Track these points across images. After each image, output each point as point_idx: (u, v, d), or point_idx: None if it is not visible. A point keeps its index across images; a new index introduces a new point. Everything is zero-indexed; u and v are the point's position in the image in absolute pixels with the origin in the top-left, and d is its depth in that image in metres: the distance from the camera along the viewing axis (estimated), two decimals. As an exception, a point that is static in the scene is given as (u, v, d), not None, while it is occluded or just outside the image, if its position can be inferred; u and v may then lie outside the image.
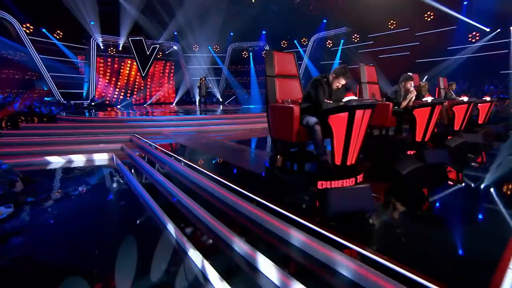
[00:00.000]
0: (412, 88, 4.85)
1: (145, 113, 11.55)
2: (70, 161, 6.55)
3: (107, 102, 17.46)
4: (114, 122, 8.99)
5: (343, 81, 3.27)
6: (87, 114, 11.20)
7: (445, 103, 5.56)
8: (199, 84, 13.17)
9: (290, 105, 3.37)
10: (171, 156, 5.17)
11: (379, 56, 16.97)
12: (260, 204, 2.76)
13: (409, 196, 3.19)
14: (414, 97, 4.92)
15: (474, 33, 13.82)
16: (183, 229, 2.93)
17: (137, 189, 4.62)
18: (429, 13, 15.14)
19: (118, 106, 16.95)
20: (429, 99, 4.67)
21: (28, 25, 14.56)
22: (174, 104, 19.68)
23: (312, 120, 3.14)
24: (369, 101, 3.32)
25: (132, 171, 5.43)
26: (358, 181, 3.25)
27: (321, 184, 3.06)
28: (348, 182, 3.18)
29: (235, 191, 3.19)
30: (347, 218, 2.42)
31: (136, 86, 19.25)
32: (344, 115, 3.01)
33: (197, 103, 19.53)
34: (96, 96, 17.33)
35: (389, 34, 16.71)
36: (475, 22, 13.49)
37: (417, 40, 15.77)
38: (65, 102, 15.04)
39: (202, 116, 9.54)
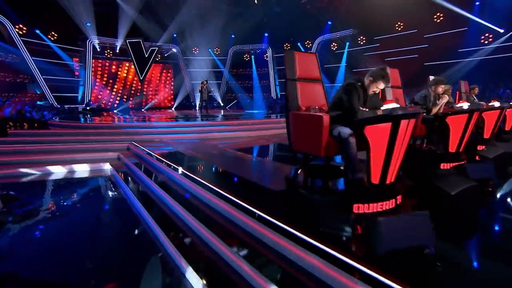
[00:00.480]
0: (443, 93, 4.43)
1: (143, 119, 11.10)
2: (62, 172, 6.07)
3: (103, 106, 16.98)
4: (111, 128, 8.53)
5: (381, 86, 2.84)
6: (82, 119, 10.74)
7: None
8: (200, 88, 12.73)
9: (318, 114, 2.92)
10: (170, 166, 4.71)
11: (386, 59, 16.59)
12: (289, 235, 2.29)
13: (473, 225, 2.71)
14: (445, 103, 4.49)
15: (487, 34, 13.50)
16: (187, 256, 2.46)
17: (134, 204, 4.15)
18: (438, 14, 14.84)
19: (115, 111, 16.49)
20: (464, 105, 4.24)
21: (21, 26, 14.15)
22: (173, 109, 19.27)
23: (346, 131, 2.70)
24: (412, 109, 2.88)
25: (130, 183, 4.96)
26: (397, 203, 2.81)
27: (357, 207, 2.61)
28: (388, 205, 2.73)
29: (251, 213, 2.73)
30: (406, 258, 1.96)
31: (133, 90, 18.82)
32: (386, 126, 2.56)
33: (197, 108, 19.25)
34: (92, 100, 16.85)
35: (396, 36, 16.40)
36: (488, 23, 13.17)
37: (426, 42, 15.44)
38: (59, 106, 14.57)
39: (204, 123, 9.09)
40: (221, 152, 6.11)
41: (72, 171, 6.14)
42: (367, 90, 2.91)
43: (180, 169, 4.45)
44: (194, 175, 4.03)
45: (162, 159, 5.27)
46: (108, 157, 6.81)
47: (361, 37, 17.29)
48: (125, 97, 18.37)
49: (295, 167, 3.40)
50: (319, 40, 18.56)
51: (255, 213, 2.71)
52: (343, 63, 17.05)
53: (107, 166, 6.34)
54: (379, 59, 16.39)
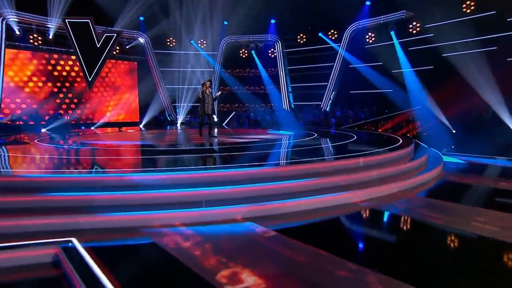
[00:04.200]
0: None
1: (97, 154, 6.28)
2: None
3: (18, 121, 12.72)
4: (15, 192, 3.76)
5: None
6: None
7: None
8: (200, 94, 8.29)
9: None
10: None
11: (444, 55, 13.50)
12: None
13: None
14: None
15: None
16: None
17: None
18: (536, -15, 11.92)
19: (43, 130, 12.30)
20: None
21: None
22: (141, 126, 16.15)
23: None
24: None
25: None
26: None
27: None
28: None
29: None
30: None
31: (76, 98, 14.69)
32: None
33: (178, 124, 16.32)
34: (3, 111, 12.49)
35: (462, 22, 13.30)
36: None
37: (512, 28, 12.44)
38: None
39: (246, 172, 4.39)
40: None
41: None
42: None
43: None
44: None
45: None
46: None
47: (414, 23, 14.01)
48: (63, 107, 14.29)
49: None
50: (352, 28, 15.15)
51: None
52: (403, 58, 13.52)
53: None
54: (434, 54, 13.30)
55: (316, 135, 9.37)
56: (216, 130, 9.27)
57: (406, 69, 13.55)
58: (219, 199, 3.73)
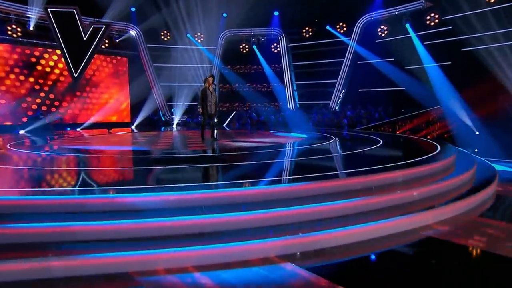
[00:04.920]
0: None
1: (88, 165, 5.41)
2: None
3: None
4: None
5: None
6: None
7: None
8: (203, 92, 7.48)
9: None
10: None
11: (463, 49, 12.89)
12: None
13: None
14: None
15: None
16: None
17: None
18: None
19: (21, 132, 11.51)
20: None
21: None
22: (133, 127, 15.37)
23: None
24: None
25: None
26: None
27: None
28: None
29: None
30: None
31: (60, 95, 13.96)
32: None
33: (174, 125, 15.46)
34: None
35: (486, 12, 12.70)
36: None
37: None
38: None
39: (286, 188, 3.49)
40: None
41: None
42: None
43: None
44: None
45: None
46: None
47: (432, 14, 13.39)
48: (44, 107, 13.41)
49: None
50: (363, 20, 14.49)
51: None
52: (423, 53, 12.81)
53: None
54: (452, 49, 12.65)
55: (334, 138, 8.50)
56: (216, 132, 8.38)
57: (427, 65, 12.88)
58: (242, 228, 2.87)
